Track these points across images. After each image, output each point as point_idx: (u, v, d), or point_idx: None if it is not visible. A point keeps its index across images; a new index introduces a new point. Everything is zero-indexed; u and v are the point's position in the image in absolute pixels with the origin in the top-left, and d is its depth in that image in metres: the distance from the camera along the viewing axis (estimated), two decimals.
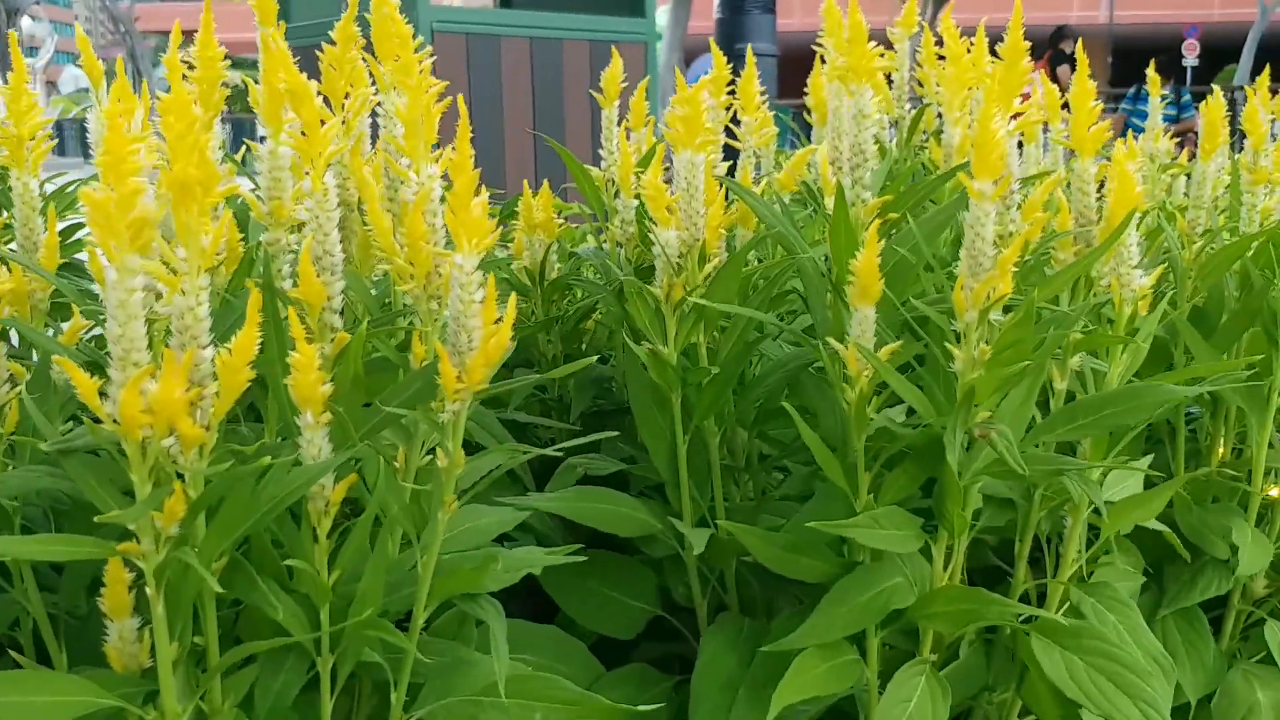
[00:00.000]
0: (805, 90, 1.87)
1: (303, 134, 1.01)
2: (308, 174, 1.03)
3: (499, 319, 0.97)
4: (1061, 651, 1.17)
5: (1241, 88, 16.75)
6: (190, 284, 0.84)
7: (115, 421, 0.82)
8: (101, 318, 1.06)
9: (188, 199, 0.83)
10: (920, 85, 1.94)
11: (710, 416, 1.26)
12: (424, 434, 1.04)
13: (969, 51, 1.76)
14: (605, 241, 1.72)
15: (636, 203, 1.66)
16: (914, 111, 1.97)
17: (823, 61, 1.87)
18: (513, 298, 0.97)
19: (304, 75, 1.04)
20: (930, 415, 1.12)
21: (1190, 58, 20.15)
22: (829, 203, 1.30)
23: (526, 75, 4.92)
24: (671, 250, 1.24)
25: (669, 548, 1.28)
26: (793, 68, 6.22)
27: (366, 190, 1.07)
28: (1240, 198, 1.70)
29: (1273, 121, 2.34)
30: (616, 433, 1.25)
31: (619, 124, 1.70)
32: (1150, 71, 2.17)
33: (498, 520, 1.14)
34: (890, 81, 2.00)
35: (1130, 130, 12.24)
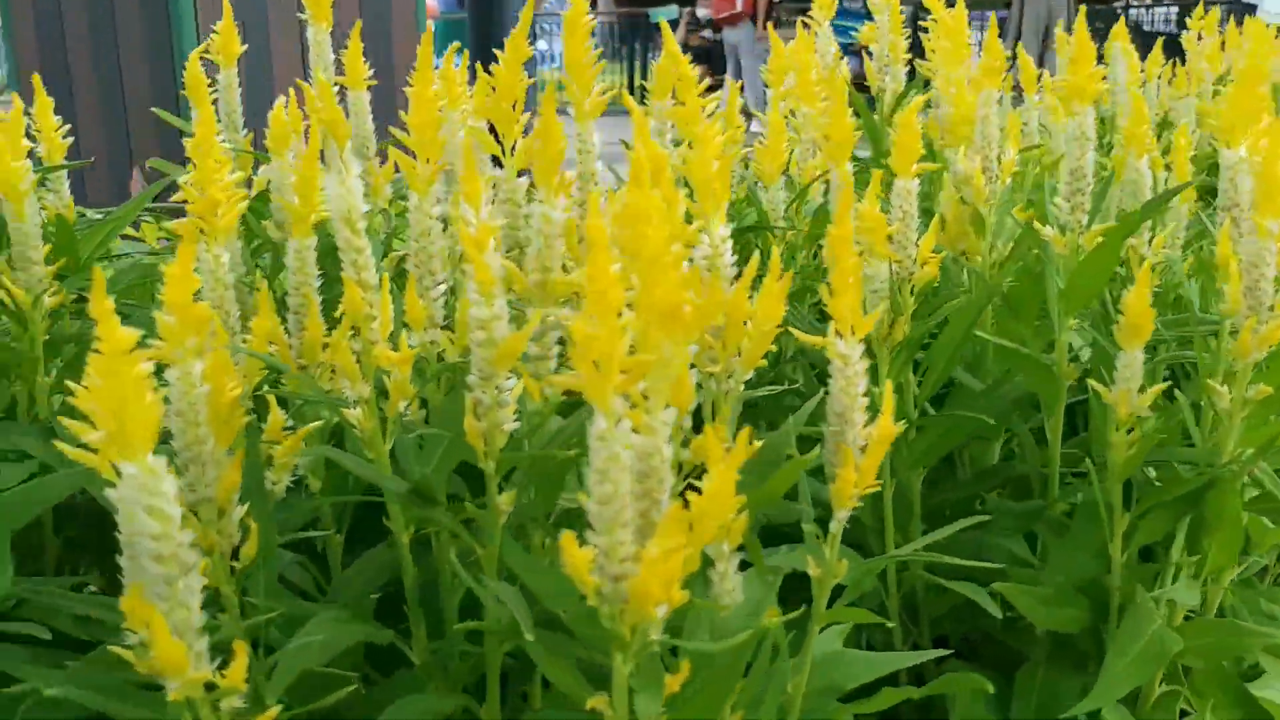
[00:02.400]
0: None
1: None
2: None
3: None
4: None
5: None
6: (656, 420, 0.70)
7: (606, 596, 0.67)
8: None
9: (671, 328, 0.68)
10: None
11: (919, 467, 1.20)
12: None
13: None
14: None
15: None
16: (894, 85, 1.93)
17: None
18: (887, 386, 0.87)
19: None
20: (1203, 460, 1.09)
21: None
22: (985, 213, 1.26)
23: (295, 28, 4.55)
24: (882, 286, 1.14)
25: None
26: None
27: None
28: None
29: None
30: None
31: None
32: None
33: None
34: (869, 53, 1.95)
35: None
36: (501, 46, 1.06)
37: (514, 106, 1.06)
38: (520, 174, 1.02)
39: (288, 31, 3.51)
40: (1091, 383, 1.10)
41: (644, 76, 15.72)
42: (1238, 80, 1.11)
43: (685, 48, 13.17)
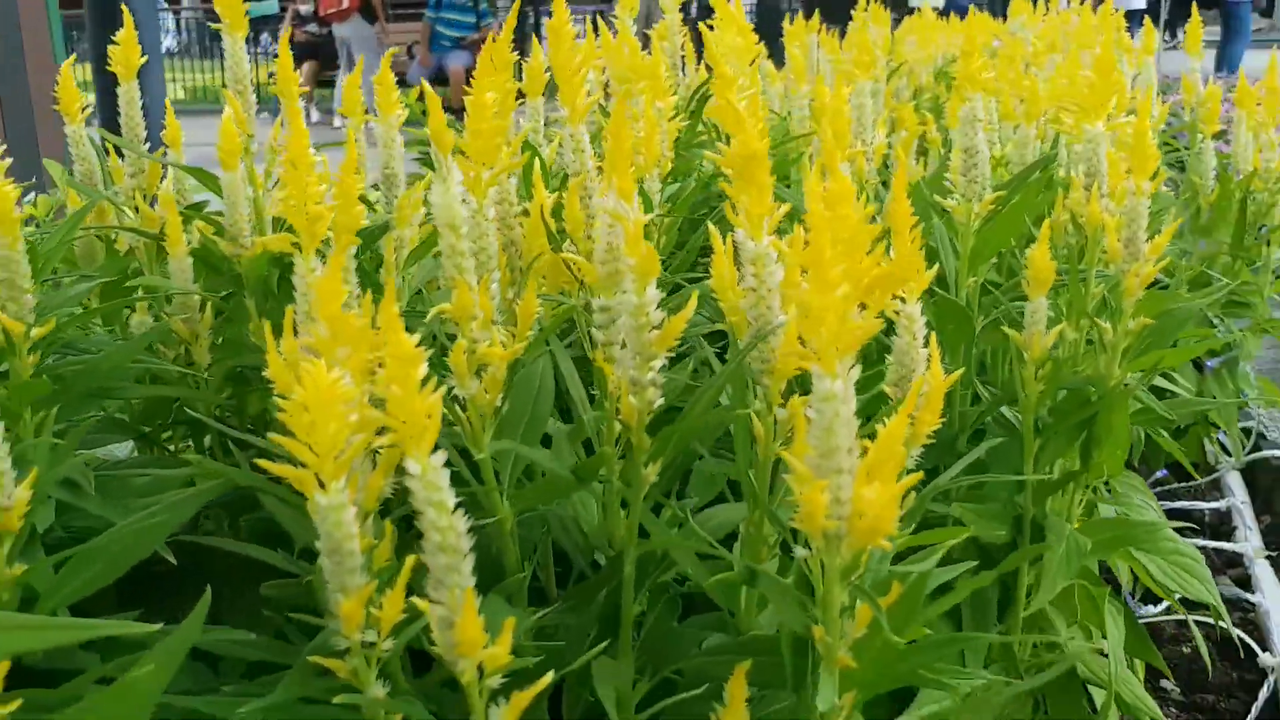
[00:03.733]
0: None
1: None
2: None
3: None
4: (1150, 557, 1.43)
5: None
6: (848, 376, 0.80)
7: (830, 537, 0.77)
8: None
9: (869, 297, 0.79)
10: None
11: None
12: None
13: None
14: None
15: None
16: (693, 86, 2.08)
17: None
18: (933, 340, 1.01)
19: None
20: (1097, 385, 1.31)
21: None
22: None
23: None
24: None
25: None
26: None
27: None
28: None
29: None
30: None
31: None
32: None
33: None
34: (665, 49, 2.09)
35: (436, 39, 12.67)
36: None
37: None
38: None
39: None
40: (1006, 330, 1.29)
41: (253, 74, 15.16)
42: (1095, 66, 1.33)
43: (290, 43, 12.92)
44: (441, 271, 0.96)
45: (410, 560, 0.80)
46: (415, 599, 0.75)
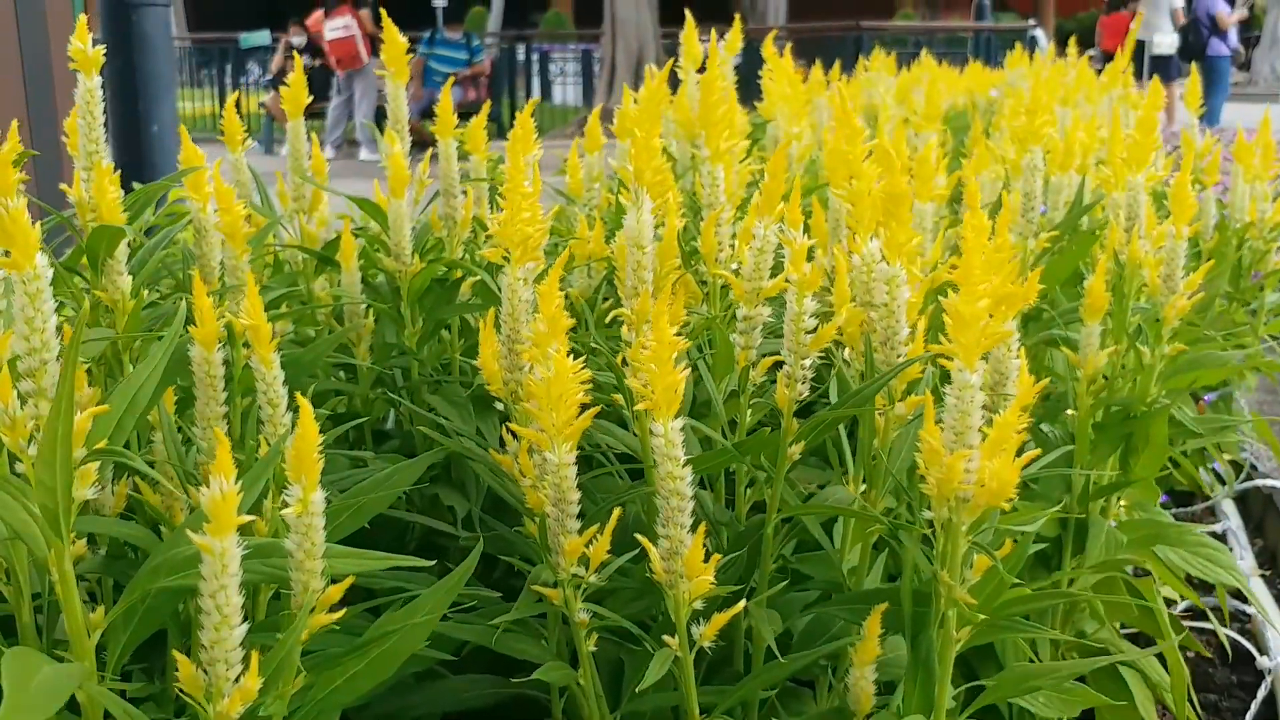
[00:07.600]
0: None
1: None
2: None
3: None
4: (1177, 551, 1.63)
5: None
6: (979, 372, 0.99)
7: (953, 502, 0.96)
8: None
9: (999, 309, 0.98)
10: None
11: None
12: None
13: None
14: None
15: None
16: None
17: None
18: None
19: None
20: (1135, 401, 1.51)
21: None
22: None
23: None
24: None
25: None
26: None
27: None
28: None
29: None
30: None
31: None
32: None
33: None
34: None
35: (429, 74, 12.99)
36: None
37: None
38: None
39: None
40: (1064, 349, 1.49)
41: (236, 104, 15.22)
42: (1137, 125, 1.54)
43: (282, 75, 13.09)
44: (619, 278, 1.16)
45: (616, 511, 1.00)
46: (639, 535, 0.94)
